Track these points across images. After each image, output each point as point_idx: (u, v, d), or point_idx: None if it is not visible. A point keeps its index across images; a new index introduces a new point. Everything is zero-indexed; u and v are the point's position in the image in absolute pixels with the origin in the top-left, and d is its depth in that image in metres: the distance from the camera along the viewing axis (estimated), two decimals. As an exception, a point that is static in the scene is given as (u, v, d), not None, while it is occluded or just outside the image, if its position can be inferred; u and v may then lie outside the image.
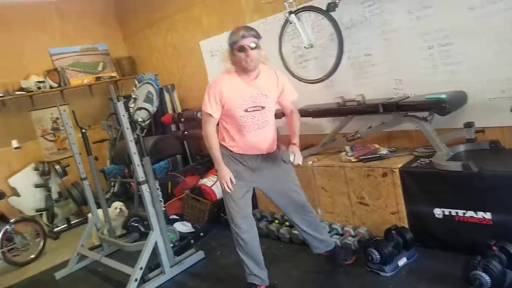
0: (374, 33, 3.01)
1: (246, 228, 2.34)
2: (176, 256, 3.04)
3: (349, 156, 2.92)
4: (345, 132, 3.19)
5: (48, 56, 5.04)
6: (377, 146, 2.95)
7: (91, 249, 3.60)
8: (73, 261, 3.44)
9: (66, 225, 4.63)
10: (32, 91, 4.68)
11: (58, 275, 3.38)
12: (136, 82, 4.56)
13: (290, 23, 3.18)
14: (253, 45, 2.12)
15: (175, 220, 3.52)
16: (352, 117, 3.12)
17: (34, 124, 4.89)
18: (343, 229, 2.91)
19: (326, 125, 3.46)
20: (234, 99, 2.20)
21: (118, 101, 2.87)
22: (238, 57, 2.14)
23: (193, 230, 3.47)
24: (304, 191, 2.53)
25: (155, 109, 4.29)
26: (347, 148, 2.98)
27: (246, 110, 2.21)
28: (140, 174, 2.89)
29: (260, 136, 2.30)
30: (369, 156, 2.84)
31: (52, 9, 5.05)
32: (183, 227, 3.44)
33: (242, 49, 2.11)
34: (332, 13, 2.94)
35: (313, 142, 3.46)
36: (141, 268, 2.80)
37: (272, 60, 3.59)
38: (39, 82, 4.75)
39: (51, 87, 4.85)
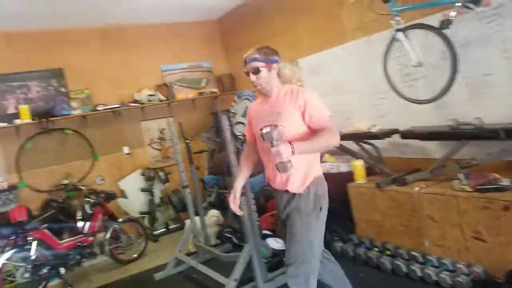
0: (494, 51, 2.76)
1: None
2: (269, 273, 3.03)
3: (463, 185, 2.67)
4: (457, 158, 2.92)
5: (159, 72, 5.52)
6: (496, 175, 2.64)
7: (188, 255, 3.77)
8: (171, 264, 3.64)
9: (164, 229, 4.95)
10: (143, 103, 5.16)
11: (158, 276, 3.60)
12: (236, 98, 4.77)
13: (397, 41, 3.06)
14: (255, 69, 2.06)
15: (267, 236, 3.53)
16: (467, 142, 2.84)
17: (144, 133, 5.37)
18: (454, 266, 2.64)
19: (434, 148, 3.22)
20: (256, 120, 2.16)
21: (223, 115, 3.00)
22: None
23: (286, 247, 3.44)
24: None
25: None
26: (461, 175, 2.72)
27: (261, 129, 1.96)
28: (238, 187, 2.95)
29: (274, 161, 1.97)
30: (488, 187, 2.56)
31: (166, 29, 5.55)
32: (275, 243, 3.43)
33: (247, 74, 2.12)
34: (444, 31, 2.76)
35: (419, 167, 3.24)
36: (235, 280, 2.85)
37: (375, 78, 3.56)
38: (150, 95, 5.22)
39: (160, 100, 5.30)
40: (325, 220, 2.09)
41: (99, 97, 5.02)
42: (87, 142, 4.94)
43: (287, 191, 2.06)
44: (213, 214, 3.82)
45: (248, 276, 2.99)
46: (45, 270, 3.65)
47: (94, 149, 4.96)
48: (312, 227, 2.03)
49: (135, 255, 4.23)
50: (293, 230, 2.03)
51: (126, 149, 5.20)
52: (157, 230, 4.92)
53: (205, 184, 4.20)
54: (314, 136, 1.95)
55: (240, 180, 2.28)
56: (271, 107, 2.07)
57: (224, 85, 5.75)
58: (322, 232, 2.09)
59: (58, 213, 4.25)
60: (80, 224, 4.08)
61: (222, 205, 4.46)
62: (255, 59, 2.06)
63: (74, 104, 4.78)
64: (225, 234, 3.68)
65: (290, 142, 1.84)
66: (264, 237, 3.44)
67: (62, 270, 3.73)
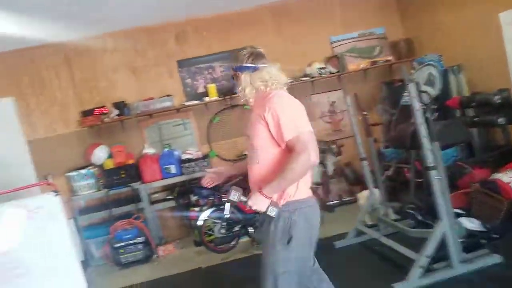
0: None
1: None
2: (464, 253, 2.83)
3: None
4: None
5: (328, 43, 5.54)
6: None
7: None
8: (351, 234, 3.74)
9: (338, 201, 5.08)
10: (314, 77, 5.27)
11: (337, 244, 3.75)
12: (415, 65, 4.45)
13: None
14: (232, 77, 2.03)
15: (460, 215, 3.28)
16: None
17: (314, 107, 5.52)
18: None
19: None
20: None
21: (410, 82, 2.84)
22: None
23: (483, 229, 3.14)
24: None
25: (437, 92, 4.07)
26: None
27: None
28: (430, 160, 2.80)
29: (250, 173, 1.95)
30: None
31: (333, -1, 5.49)
32: (469, 223, 3.17)
33: None
34: None
35: None
36: (427, 256, 2.75)
37: None
38: (321, 68, 5.29)
39: (330, 73, 5.33)
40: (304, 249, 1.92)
41: (274, 74, 5.34)
42: (265, 116, 5.35)
43: None
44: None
45: (439, 254, 2.84)
46: (237, 228, 4.20)
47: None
48: (280, 259, 1.83)
49: (317, 223, 4.47)
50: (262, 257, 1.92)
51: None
52: (331, 201, 5.08)
53: (383, 158, 4.10)
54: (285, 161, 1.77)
55: (228, 168, 2.24)
56: (249, 117, 1.97)
57: (400, 52, 5.40)
58: (295, 263, 1.88)
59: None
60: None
61: (400, 179, 4.30)
62: (232, 67, 2.02)
63: (252, 80, 5.21)
64: (407, 210, 3.56)
65: (260, 189, 1.75)
66: (455, 215, 3.19)
67: (251, 230, 4.22)
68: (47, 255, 2.82)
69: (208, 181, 2.17)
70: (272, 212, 1.74)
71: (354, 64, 5.44)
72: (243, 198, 1.79)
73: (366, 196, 3.89)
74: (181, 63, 5.26)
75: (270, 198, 1.73)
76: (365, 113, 3.99)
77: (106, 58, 5.11)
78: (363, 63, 5.44)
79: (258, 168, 1.86)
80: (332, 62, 5.40)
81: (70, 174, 4.74)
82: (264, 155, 1.83)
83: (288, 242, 1.81)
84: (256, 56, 1.97)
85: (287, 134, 1.76)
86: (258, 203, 1.73)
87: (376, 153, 4.14)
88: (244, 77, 1.94)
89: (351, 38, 5.54)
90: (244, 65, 1.95)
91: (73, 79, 5.06)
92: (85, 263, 4.56)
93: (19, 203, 2.85)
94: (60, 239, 2.88)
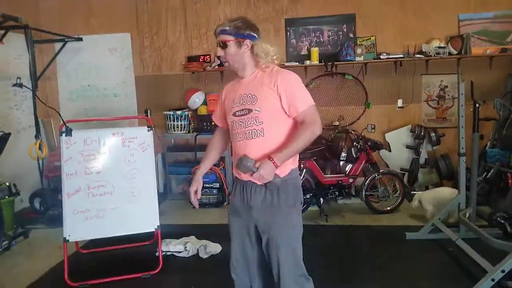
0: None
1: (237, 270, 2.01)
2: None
3: None
4: None
5: (455, 21, 5.02)
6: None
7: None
8: (426, 229, 3.55)
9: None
10: (430, 56, 4.87)
11: (409, 235, 3.59)
12: (555, 59, 3.84)
13: None
14: (221, 44, 1.87)
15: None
16: None
17: (422, 89, 5.14)
18: None
19: None
20: (228, 102, 1.97)
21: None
22: None
23: None
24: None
25: None
26: None
27: (234, 114, 1.91)
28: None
29: (247, 149, 1.84)
30: None
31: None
32: None
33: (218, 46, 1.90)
34: None
35: None
36: (502, 271, 2.52)
37: None
38: (439, 47, 4.86)
39: (449, 54, 4.87)
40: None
41: (384, 45, 5.06)
42: (363, 90, 5.17)
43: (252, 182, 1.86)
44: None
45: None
46: (308, 196, 4.27)
47: (368, 97, 5.15)
48: (298, 225, 1.89)
49: (388, 208, 4.34)
50: (273, 232, 1.85)
51: (399, 102, 5.15)
52: (415, 190, 4.82)
53: (485, 157, 3.73)
54: (295, 132, 1.82)
55: (203, 169, 2.10)
56: (245, 89, 1.89)
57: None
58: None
59: (325, 150, 4.76)
60: (343, 164, 4.48)
61: (498, 184, 3.89)
62: (224, 31, 1.86)
63: (359, 50, 5.02)
64: (497, 218, 3.23)
65: (269, 156, 1.73)
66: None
67: (321, 200, 4.26)
68: (131, 181, 3.24)
69: (196, 202, 2.09)
70: (278, 180, 1.77)
71: (480, 49, 4.89)
72: (254, 169, 1.75)
73: (431, 197, 3.64)
74: (290, 22, 5.27)
75: (278, 166, 1.73)
76: (478, 105, 3.62)
77: (220, 8, 5.34)
78: (491, 49, 4.85)
79: (261, 142, 1.83)
80: (455, 42, 4.92)
81: (167, 112, 5.20)
82: (270, 128, 1.83)
83: (298, 206, 1.91)
84: (255, 27, 1.93)
85: (301, 105, 1.80)
86: (269, 172, 1.72)
87: (479, 151, 3.78)
88: (247, 45, 1.87)
89: (484, 19, 4.94)
90: (251, 33, 1.88)
91: (186, 24, 5.43)
92: (163, 195, 5.13)
93: (117, 130, 3.29)
94: (145, 169, 3.28)
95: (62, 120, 3.22)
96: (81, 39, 5.40)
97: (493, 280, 2.54)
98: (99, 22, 5.50)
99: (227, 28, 1.85)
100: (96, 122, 3.54)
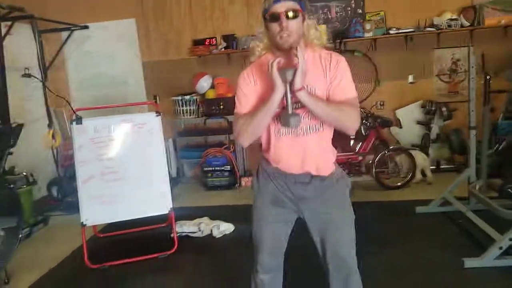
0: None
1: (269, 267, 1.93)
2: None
3: None
4: None
5: (472, -8, 5.02)
6: None
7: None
8: (436, 202, 3.69)
9: (434, 167, 4.91)
10: (441, 29, 4.90)
11: (419, 209, 3.73)
12: None
13: None
14: (291, 13, 1.60)
15: None
16: None
17: (434, 63, 5.19)
18: None
19: None
20: (269, 89, 1.65)
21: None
22: (272, 30, 1.65)
23: None
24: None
25: None
26: None
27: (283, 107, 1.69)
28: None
29: (305, 147, 1.74)
30: None
31: None
32: None
33: (274, 17, 1.62)
34: None
35: None
36: (511, 239, 2.65)
37: None
38: (451, 19, 4.87)
39: (462, 26, 4.89)
40: None
41: (394, 20, 5.10)
42: (373, 66, 5.22)
43: (310, 175, 1.77)
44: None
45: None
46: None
47: (378, 74, 5.22)
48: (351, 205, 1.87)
49: (398, 184, 4.48)
50: (332, 216, 1.81)
51: (410, 78, 5.21)
52: (426, 165, 4.94)
53: (496, 130, 3.82)
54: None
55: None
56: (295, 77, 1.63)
57: (554, 10, 4.69)
58: None
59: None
60: (353, 142, 4.61)
61: (510, 156, 3.97)
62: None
63: (367, 26, 5.07)
64: (508, 189, 3.34)
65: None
66: None
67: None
68: (142, 166, 3.42)
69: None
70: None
71: (493, 19, 4.87)
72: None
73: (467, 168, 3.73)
74: (298, 0, 5.33)
75: (302, 89, 1.61)
76: (488, 77, 3.68)
77: (226, -12, 5.42)
78: (506, 19, 4.84)
79: (320, 137, 1.74)
80: (467, 13, 4.93)
81: (176, 98, 5.36)
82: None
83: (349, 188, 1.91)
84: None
85: (351, 91, 1.71)
86: (299, 78, 1.60)
87: (491, 123, 3.86)
88: (305, 21, 1.69)
89: (499, -14, 4.94)
90: (307, 7, 1.71)
91: (191, 7, 5.54)
92: (176, 180, 5.34)
93: (126, 117, 3.46)
94: (155, 154, 3.45)
95: (72, 108, 3.39)
96: (87, 27, 5.58)
97: (500, 248, 2.67)
98: (104, 9, 5.63)
99: None
100: (106, 110, 3.71)
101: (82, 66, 5.82)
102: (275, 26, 1.63)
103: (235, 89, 1.85)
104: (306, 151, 1.74)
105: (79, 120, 3.33)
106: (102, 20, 5.64)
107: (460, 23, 4.88)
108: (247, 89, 1.76)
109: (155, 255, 3.27)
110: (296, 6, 1.63)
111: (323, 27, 5.08)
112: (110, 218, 3.43)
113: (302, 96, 1.61)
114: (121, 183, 3.36)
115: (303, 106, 1.67)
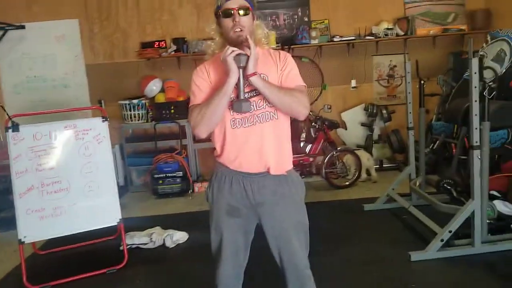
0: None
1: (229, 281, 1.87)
2: (489, 234, 2.95)
3: None
4: None
5: (401, 4, 5.41)
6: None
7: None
8: (381, 200, 3.95)
9: (378, 166, 5.25)
10: (379, 37, 5.23)
11: (366, 207, 3.97)
12: (489, 38, 4.31)
13: None
14: (242, 10, 1.69)
15: (495, 197, 3.35)
16: None
17: (373, 69, 5.52)
18: None
19: None
20: (223, 79, 1.71)
21: (474, 56, 2.84)
22: (225, 26, 1.72)
23: (517, 214, 3.21)
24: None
25: (504, 70, 3.97)
26: None
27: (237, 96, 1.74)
28: (475, 139, 2.88)
29: (262, 135, 1.75)
30: None
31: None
32: (504, 207, 3.24)
33: (227, 13, 1.70)
34: None
35: None
36: (450, 231, 2.91)
37: None
38: (388, 29, 5.24)
39: (397, 35, 5.26)
40: None
41: (337, 28, 5.37)
42: (319, 72, 5.44)
43: (268, 173, 1.76)
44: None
45: (463, 232, 2.99)
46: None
47: (324, 79, 5.44)
48: (305, 214, 1.86)
49: (347, 183, 4.74)
50: (287, 224, 1.81)
51: (353, 82, 5.51)
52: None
53: (431, 130, 4.18)
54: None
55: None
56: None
57: (476, 22, 5.19)
58: None
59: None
60: (303, 145, 4.78)
61: (444, 154, 4.34)
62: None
63: (313, 33, 5.26)
64: (444, 184, 3.66)
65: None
66: (491, 198, 3.27)
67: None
68: (88, 174, 3.17)
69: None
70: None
71: (424, 29, 5.33)
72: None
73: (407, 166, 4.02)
74: (246, 6, 5.39)
75: (255, 75, 1.67)
76: (423, 82, 4.01)
77: (174, -10, 5.35)
78: (434, 29, 5.30)
79: (276, 125, 1.76)
80: (401, 24, 5.32)
81: (123, 102, 5.17)
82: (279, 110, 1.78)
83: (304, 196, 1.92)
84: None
85: (300, 80, 1.80)
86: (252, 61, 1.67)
87: (426, 124, 4.19)
88: (254, 20, 1.77)
89: (427, 1, 5.39)
90: (255, 6, 1.78)
91: (139, 9, 5.39)
92: (124, 188, 5.13)
93: (69, 123, 3.17)
94: (102, 162, 3.21)
95: (7, 114, 3.03)
96: (23, 27, 5.23)
97: (442, 240, 2.92)
98: (42, 9, 5.33)
99: None
100: (45, 116, 3.36)
101: (18, 68, 5.43)
102: (228, 22, 1.70)
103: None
104: (263, 140, 1.73)
105: (15, 127, 2.99)
106: (41, 20, 5.31)
107: (395, 32, 5.25)
108: (201, 82, 1.78)
109: (103, 270, 3.07)
110: (247, 4, 1.71)
111: (272, 33, 5.21)
112: (52, 233, 3.12)
113: (255, 80, 1.66)
114: (63, 194, 3.08)
115: (257, 94, 1.72)
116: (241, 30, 1.68)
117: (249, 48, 1.67)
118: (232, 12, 1.68)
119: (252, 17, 1.74)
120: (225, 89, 1.66)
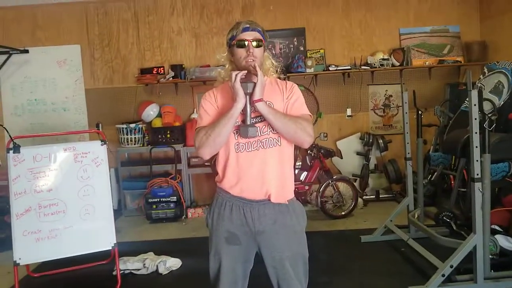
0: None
1: None
2: (492, 271, 2.74)
3: None
4: None
5: (397, 35, 5.34)
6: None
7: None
8: (379, 231, 3.70)
9: (374, 196, 5.02)
10: (375, 67, 5.14)
11: (363, 238, 3.73)
12: (485, 70, 4.22)
13: None
14: (256, 42, 1.72)
15: (497, 232, 3.15)
16: None
17: (369, 98, 5.40)
18: None
19: None
20: (230, 104, 1.71)
21: (473, 88, 2.73)
22: (238, 55, 1.74)
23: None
24: None
25: (502, 102, 3.86)
26: None
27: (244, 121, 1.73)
28: (477, 171, 2.71)
29: (265, 160, 1.73)
30: None
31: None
32: (506, 242, 3.03)
33: (242, 44, 1.72)
34: None
35: None
36: (451, 266, 2.69)
37: None
38: (383, 59, 5.14)
39: (392, 65, 5.16)
40: None
41: (333, 58, 5.27)
42: (315, 100, 5.33)
43: (268, 201, 1.72)
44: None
45: (464, 267, 2.78)
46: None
47: (319, 107, 5.33)
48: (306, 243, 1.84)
49: (342, 213, 4.49)
50: (288, 253, 1.76)
51: (349, 111, 5.37)
52: (367, 195, 5.03)
53: (429, 161, 4.00)
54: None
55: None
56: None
57: (471, 54, 5.09)
58: None
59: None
60: (298, 172, 4.59)
61: (442, 186, 4.18)
62: (259, 31, 1.76)
63: (309, 62, 5.18)
64: (443, 217, 3.47)
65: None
66: (493, 232, 3.08)
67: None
68: (85, 197, 3.11)
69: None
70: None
71: (419, 60, 5.24)
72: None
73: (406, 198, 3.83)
74: (243, 35, 5.34)
75: (261, 100, 1.67)
76: (420, 112, 3.88)
77: (173, 20, 5.30)
78: (430, 61, 5.22)
79: (278, 151, 1.73)
80: (397, 54, 5.22)
81: (120, 126, 5.03)
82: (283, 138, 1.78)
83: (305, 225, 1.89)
84: None
85: (305, 109, 1.79)
86: (258, 89, 1.67)
87: (424, 155, 4.04)
88: (265, 51, 1.80)
89: (422, 33, 5.31)
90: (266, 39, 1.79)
91: (139, 36, 5.34)
92: (117, 212, 4.93)
93: (68, 145, 3.15)
94: (99, 185, 3.16)
95: (10, 135, 3.03)
96: (27, 51, 5.15)
97: (443, 275, 2.69)
98: (46, 34, 5.27)
99: (259, 28, 1.76)
100: (45, 138, 3.36)
101: (20, 91, 5.33)
102: (241, 52, 1.72)
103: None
104: (266, 166, 1.71)
105: (16, 149, 2.99)
106: (44, 45, 5.25)
107: (391, 62, 5.16)
108: (208, 106, 1.79)
109: (95, 295, 2.93)
110: (260, 36, 1.75)
111: (279, 64, 5.12)
112: (46, 256, 3.05)
113: (261, 106, 1.67)
114: (60, 216, 3.04)
115: (262, 121, 1.71)
116: (253, 60, 1.71)
117: (257, 75, 1.67)
118: (247, 43, 1.71)
119: (264, 49, 1.78)
120: (232, 113, 1.66)
